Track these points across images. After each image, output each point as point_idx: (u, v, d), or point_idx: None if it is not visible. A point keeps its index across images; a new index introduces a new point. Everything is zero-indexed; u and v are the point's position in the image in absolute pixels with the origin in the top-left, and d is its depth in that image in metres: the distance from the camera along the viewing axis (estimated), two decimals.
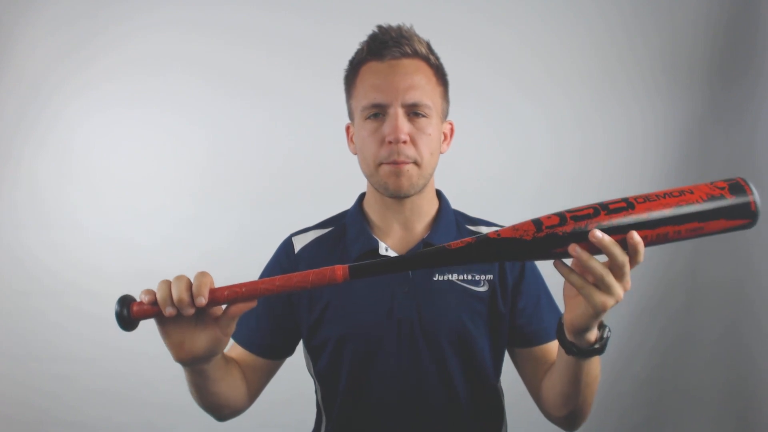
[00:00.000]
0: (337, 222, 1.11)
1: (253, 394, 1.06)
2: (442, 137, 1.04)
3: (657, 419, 2.18)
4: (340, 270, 0.73)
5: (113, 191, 2.19)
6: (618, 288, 0.69)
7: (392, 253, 1.01)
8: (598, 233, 0.65)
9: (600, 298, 0.69)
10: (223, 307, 0.78)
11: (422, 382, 0.99)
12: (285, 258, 1.08)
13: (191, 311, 0.73)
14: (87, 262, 2.17)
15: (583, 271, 0.70)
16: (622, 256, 0.66)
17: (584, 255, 0.67)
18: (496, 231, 0.72)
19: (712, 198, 0.67)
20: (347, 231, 1.07)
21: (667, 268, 2.14)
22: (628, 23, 2.13)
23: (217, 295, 0.74)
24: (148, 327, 2.35)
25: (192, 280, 0.74)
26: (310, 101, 2.11)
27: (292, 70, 2.16)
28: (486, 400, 1.04)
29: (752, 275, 2.02)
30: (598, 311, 0.70)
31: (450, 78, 1.05)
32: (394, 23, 1.00)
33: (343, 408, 1.03)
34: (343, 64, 1.05)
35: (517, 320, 1.03)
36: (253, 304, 0.77)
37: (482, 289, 1.01)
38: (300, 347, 1.12)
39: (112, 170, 2.20)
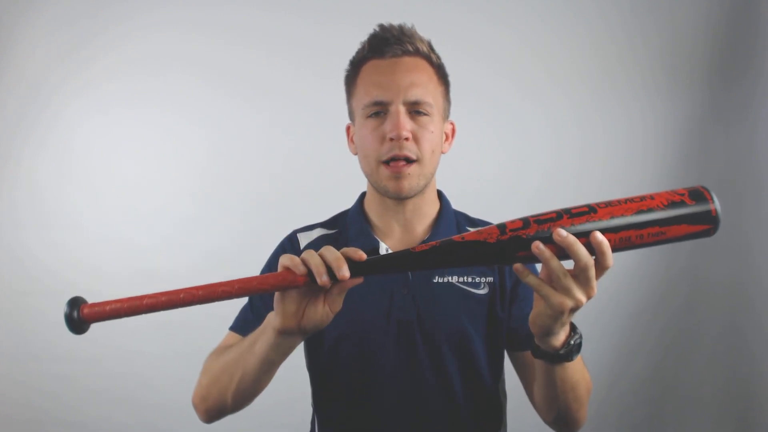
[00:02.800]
0: (340, 223, 1.11)
1: None
2: (444, 137, 1.04)
3: (658, 418, 2.18)
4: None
5: (113, 191, 2.19)
6: (576, 291, 0.68)
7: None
8: (562, 231, 0.66)
9: (557, 298, 0.69)
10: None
11: (420, 383, 0.99)
12: (291, 252, 1.07)
13: (347, 273, 0.70)
14: (87, 262, 2.17)
15: (547, 275, 0.70)
16: (586, 257, 0.66)
17: (546, 252, 0.67)
18: (461, 235, 0.73)
19: (672, 203, 0.68)
20: (348, 230, 1.07)
21: (667, 267, 2.14)
22: (628, 23, 2.13)
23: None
24: (149, 326, 2.34)
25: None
26: (310, 101, 2.11)
27: (292, 70, 2.16)
28: (484, 402, 1.04)
29: (752, 275, 2.02)
30: (555, 312, 0.70)
31: (450, 78, 1.05)
32: (395, 23, 1.00)
33: (340, 408, 1.03)
34: (343, 64, 1.04)
35: (513, 324, 1.03)
36: (359, 280, 0.74)
37: (482, 291, 1.01)
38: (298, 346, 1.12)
39: (112, 170, 2.20)
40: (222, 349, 0.98)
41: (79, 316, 0.72)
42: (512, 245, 0.69)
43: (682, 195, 0.69)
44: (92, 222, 2.19)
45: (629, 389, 2.15)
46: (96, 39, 2.16)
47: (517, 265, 0.70)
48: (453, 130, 1.08)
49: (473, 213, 1.13)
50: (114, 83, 2.17)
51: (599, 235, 0.66)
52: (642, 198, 0.69)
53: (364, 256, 0.72)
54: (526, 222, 0.69)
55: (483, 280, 1.01)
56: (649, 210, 0.68)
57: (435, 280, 1.00)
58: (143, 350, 2.14)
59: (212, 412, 0.96)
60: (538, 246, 0.67)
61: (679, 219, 0.68)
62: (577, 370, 0.84)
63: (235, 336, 1.04)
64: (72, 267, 2.17)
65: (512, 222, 0.70)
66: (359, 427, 1.01)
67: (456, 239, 0.72)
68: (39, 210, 2.19)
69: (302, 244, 1.07)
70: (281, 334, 0.78)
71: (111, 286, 2.26)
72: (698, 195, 0.69)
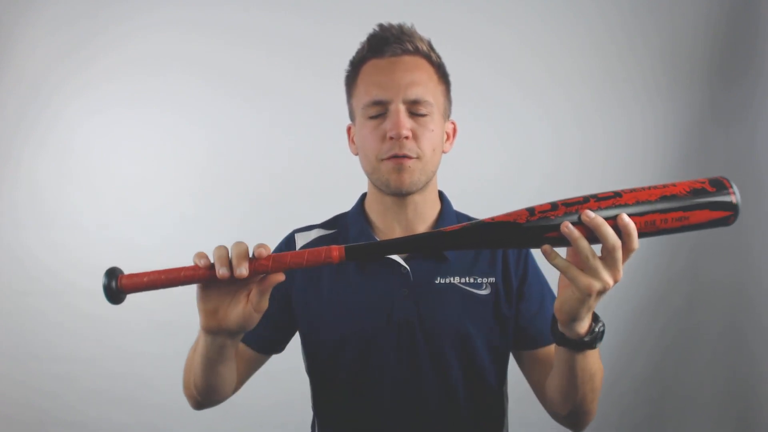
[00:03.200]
0: (340, 224, 1.11)
1: (238, 384, 1.05)
2: (445, 136, 1.03)
3: (658, 418, 2.18)
4: (336, 250, 0.73)
5: (113, 191, 2.19)
6: (604, 272, 0.69)
7: (393, 256, 1.00)
8: (590, 213, 0.68)
9: (585, 280, 0.70)
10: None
11: (422, 385, 0.98)
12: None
13: (245, 272, 0.70)
14: (87, 262, 2.17)
15: (574, 258, 0.72)
16: (614, 238, 0.68)
17: (575, 233, 0.68)
18: (492, 217, 0.74)
19: (694, 190, 0.71)
20: (348, 231, 1.07)
21: (667, 267, 2.14)
22: (628, 23, 2.13)
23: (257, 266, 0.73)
24: (149, 327, 2.34)
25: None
26: (310, 101, 2.11)
27: (292, 70, 2.16)
28: (487, 404, 1.04)
29: (752, 275, 2.02)
30: (583, 294, 0.70)
31: (451, 78, 1.05)
32: (394, 23, 1.00)
33: (340, 410, 1.02)
34: (344, 64, 1.04)
35: (521, 322, 1.02)
36: (280, 277, 0.74)
37: (484, 291, 1.00)
38: (293, 348, 1.12)
39: (112, 170, 2.20)
40: None
41: (117, 286, 0.72)
42: (541, 226, 0.70)
43: (703, 183, 0.72)
44: (92, 222, 2.19)
45: (630, 389, 2.15)
46: (96, 39, 2.16)
47: (546, 247, 0.71)
48: (454, 130, 1.07)
49: (474, 213, 1.13)
50: (114, 83, 2.17)
51: (626, 217, 0.68)
52: (665, 185, 0.72)
53: (267, 251, 0.72)
54: (554, 205, 0.71)
55: (485, 280, 1.01)
56: (673, 196, 0.71)
57: (436, 281, 0.99)
58: (143, 350, 2.13)
59: (193, 403, 0.99)
60: (567, 226, 0.68)
61: (702, 205, 0.71)
62: (596, 359, 0.85)
63: None
64: (72, 267, 2.17)
65: (541, 205, 0.72)
66: (360, 429, 1.01)
67: (487, 220, 0.74)
68: (39, 210, 2.19)
69: (299, 245, 1.08)
70: (206, 333, 0.79)
71: None
72: (718, 183, 0.72)
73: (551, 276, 1.07)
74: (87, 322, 2.11)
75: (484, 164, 2.13)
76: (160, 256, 2.15)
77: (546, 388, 0.98)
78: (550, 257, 0.71)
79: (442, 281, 1.00)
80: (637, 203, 0.70)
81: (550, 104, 2.16)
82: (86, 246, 2.18)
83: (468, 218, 1.11)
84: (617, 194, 0.71)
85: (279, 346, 1.10)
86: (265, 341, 1.07)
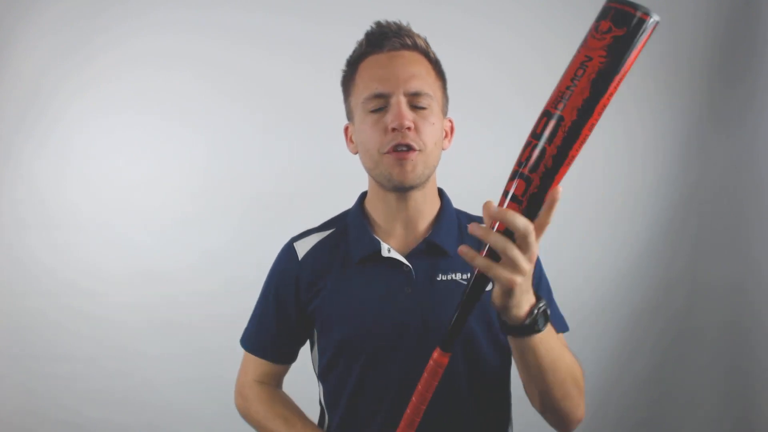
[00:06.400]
0: (338, 223, 1.10)
1: None
2: (444, 132, 1.03)
3: (657, 419, 2.18)
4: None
5: (113, 191, 2.19)
6: (522, 261, 0.66)
7: (395, 254, 1.00)
8: (476, 228, 0.68)
9: (505, 275, 0.67)
10: None
11: None
12: (290, 266, 1.07)
13: None
14: (87, 262, 2.17)
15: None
16: (524, 224, 0.66)
17: (479, 231, 0.68)
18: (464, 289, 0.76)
19: (608, 48, 0.58)
20: (349, 232, 1.06)
21: (667, 267, 2.14)
22: None
23: None
24: (149, 327, 2.33)
25: None
26: (310, 102, 2.11)
27: (293, 70, 2.16)
28: (491, 401, 1.03)
29: (752, 275, 2.02)
30: (506, 289, 0.69)
31: (450, 78, 1.05)
32: (391, 20, 1.01)
33: (346, 410, 1.03)
34: (344, 65, 1.05)
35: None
36: None
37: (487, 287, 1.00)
38: (303, 351, 1.14)
39: (113, 170, 2.20)
40: (269, 398, 1.10)
41: None
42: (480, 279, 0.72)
43: (607, 31, 0.58)
44: (92, 222, 2.19)
45: (629, 390, 2.15)
46: (96, 39, 2.16)
47: (462, 247, 0.69)
48: (452, 128, 1.07)
49: (475, 213, 1.13)
50: (114, 83, 2.17)
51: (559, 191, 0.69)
52: (574, 75, 0.62)
53: None
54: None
55: None
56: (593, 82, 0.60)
57: (438, 279, 0.99)
58: (143, 350, 2.13)
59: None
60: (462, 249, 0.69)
61: (624, 59, 0.58)
62: (553, 349, 0.80)
63: (259, 361, 1.13)
64: (72, 267, 2.16)
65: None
66: (365, 427, 1.01)
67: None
68: (39, 210, 2.19)
69: (300, 254, 1.07)
70: None
71: (111, 286, 2.26)
72: (621, 15, 0.57)
73: (549, 270, 1.07)
74: (87, 322, 2.11)
75: (484, 165, 2.12)
76: (161, 256, 2.17)
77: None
78: (468, 257, 0.69)
79: (444, 278, 0.99)
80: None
81: None
82: (86, 246, 2.18)
83: (467, 215, 1.10)
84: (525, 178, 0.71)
85: (296, 355, 1.15)
86: (288, 353, 1.14)
